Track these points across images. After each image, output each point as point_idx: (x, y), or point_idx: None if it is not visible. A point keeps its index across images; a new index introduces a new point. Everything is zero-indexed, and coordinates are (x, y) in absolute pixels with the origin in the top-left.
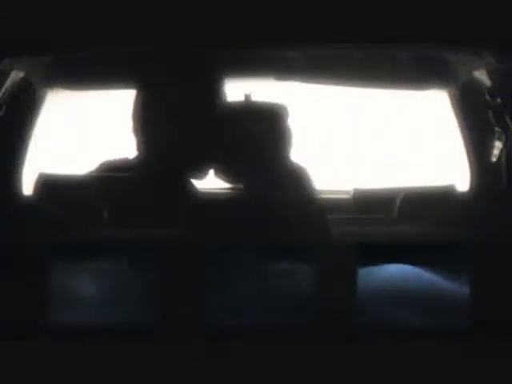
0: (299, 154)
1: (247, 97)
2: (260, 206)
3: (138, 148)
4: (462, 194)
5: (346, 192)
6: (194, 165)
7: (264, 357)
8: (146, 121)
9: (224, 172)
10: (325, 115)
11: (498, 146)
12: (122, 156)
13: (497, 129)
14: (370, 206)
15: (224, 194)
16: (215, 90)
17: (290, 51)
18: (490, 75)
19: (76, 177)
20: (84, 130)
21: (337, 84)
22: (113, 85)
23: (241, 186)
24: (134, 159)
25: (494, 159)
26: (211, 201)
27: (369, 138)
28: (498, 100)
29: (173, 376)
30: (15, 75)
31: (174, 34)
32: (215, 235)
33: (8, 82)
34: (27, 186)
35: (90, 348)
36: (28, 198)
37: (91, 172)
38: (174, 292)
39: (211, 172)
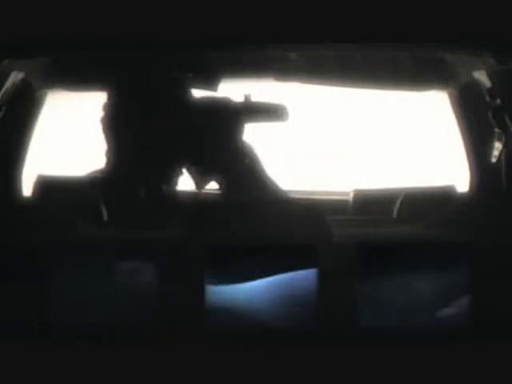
0: (300, 155)
1: (247, 97)
2: (256, 206)
3: (109, 153)
4: (462, 194)
5: (346, 193)
6: (167, 166)
7: (263, 357)
8: (119, 124)
9: (197, 172)
10: (324, 116)
11: (497, 146)
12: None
13: (496, 129)
14: (370, 207)
15: (214, 194)
16: (187, 90)
17: (289, 52)
18: (490, 76)
19: (74, 178)
20: (84, 131)
21: (336, 85)
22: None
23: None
24: (106, 166)
25: (493, 160)
26: (210, 201)
27: (368, 139)
28: (498, 101)
29: (172, 376)
30: (15, 76)
31: (174, 36)
32: (215, 236)
33: (8, 83)
34: (27, 187)
35: (90, 348)
36: (28, 199)
37: (88, 174)
38: (173, 292)
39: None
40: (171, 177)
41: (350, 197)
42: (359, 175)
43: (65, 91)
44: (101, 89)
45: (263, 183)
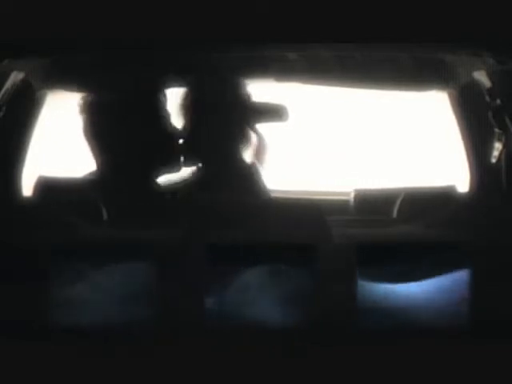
0: (300, 155)
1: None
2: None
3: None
4: (462, 194)
5: (347, 193)
6: (167, 166)
7: (263, 357)
8: (118, 124)
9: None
10: (324, 116)
11: (497, 146)
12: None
13: (496, 130)
14: (371, 207)
15: (221, 194)
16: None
17: (289, 52)
18: (490, 76)
19: (74, 179)
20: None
21: (336, 85)
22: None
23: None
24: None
25: (493, 160)
26: (210, 201)
27: (369, 139)
28: (498, 101)
29: (172, 376)
30: (15, 76)
31: (174, 36)
32: (215, 236)
33: (8, 83)
34: (27, 187)
35: (90, 348)
36: (28, 199)
37: (88, 174)
38: (173, 292)
39: None
40: (171, 177)
41: (351, 197)
42: (359, 175)
43: (65, 91)
44: (101, 89)
45: (262, 184)
